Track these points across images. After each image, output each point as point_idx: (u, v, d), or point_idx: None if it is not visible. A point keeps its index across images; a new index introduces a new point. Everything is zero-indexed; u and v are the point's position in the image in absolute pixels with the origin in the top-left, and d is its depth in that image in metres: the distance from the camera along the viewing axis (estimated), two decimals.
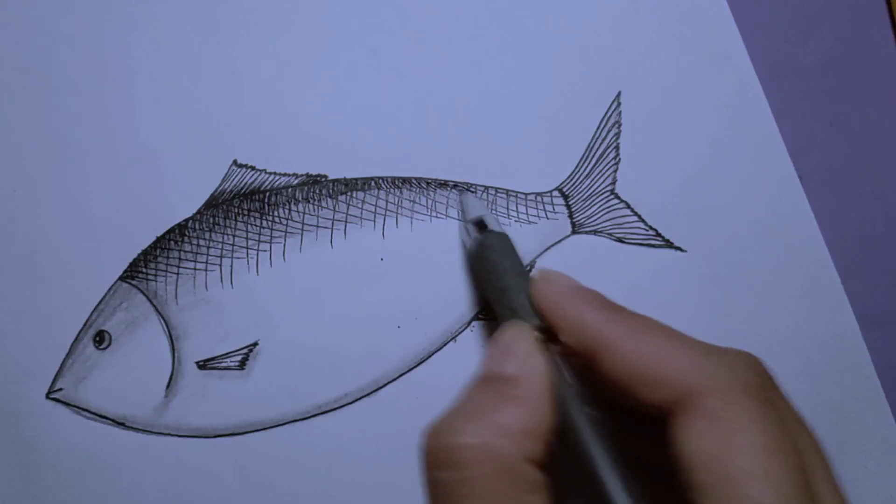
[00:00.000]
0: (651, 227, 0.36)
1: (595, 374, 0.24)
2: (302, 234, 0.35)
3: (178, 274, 0.35)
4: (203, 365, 0.34)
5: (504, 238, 0.30)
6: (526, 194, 0.36)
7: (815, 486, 0.21)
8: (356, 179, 0.35)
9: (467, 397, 0.23)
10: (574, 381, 0.24)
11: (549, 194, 0.36)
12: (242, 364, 0.34)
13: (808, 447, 0.23)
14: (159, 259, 0.35)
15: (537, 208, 0.36)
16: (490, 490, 0.21)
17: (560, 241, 0.36)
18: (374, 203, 0.35)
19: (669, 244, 0.36)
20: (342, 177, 0.35)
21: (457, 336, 0.35)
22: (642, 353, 0.23)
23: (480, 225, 0.32)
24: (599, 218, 0.36)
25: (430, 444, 0.22)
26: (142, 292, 0.34)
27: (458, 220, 0.35)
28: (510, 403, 0.22)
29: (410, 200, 0.35)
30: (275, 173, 0.35)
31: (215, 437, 0.34)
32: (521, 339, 0.24)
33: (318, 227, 0.35)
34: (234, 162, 0.35)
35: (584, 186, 0.36)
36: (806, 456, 0.22)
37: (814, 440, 0.23)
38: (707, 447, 0.20)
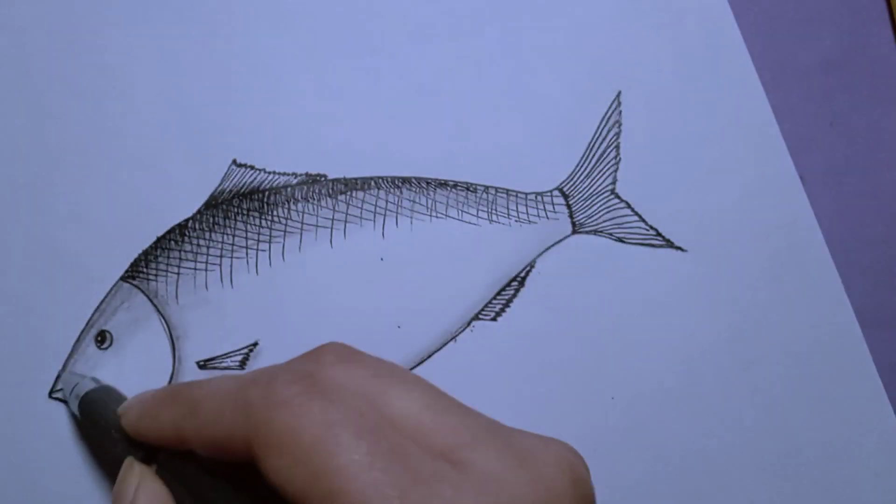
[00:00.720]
0: (651, 227, 0.36)
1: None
2: (302, 234, 0.35)
3: (178, 274, 0.35)
4: (204, 365, 0.34)
5: (102, 391, 0.31)
6: (526, 194, 0.36)
7: None
8: (356, 179, 0.35)
9: None
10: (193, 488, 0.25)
11: (549, 194, 0.36)
12: (243, 364, 0.34)
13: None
14: (160, 259, 0.35)
15: (537, 208, 0.36)
16: None
17: (560, 240, 0.36)
18: (374, 203, 0.35)
19: (670, 244, 0.36)
20: (342, 177, 0.35)
21: (457, 336, 0.35)
22: (205, 425, 0.23)
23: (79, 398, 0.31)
24: (600, 218, 0.36)
25: None
26: (143, 292, 0.34)
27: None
28: None
29: (410, 200, 0.35)
30: (274, 173, 0.35)
31: None
32: (128, 476, 0.26)
33: (317, 226, 0.35)
34: (234, 162, 0.35)
35: (584, 186, 0.36)
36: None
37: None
38: None
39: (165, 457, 0.26)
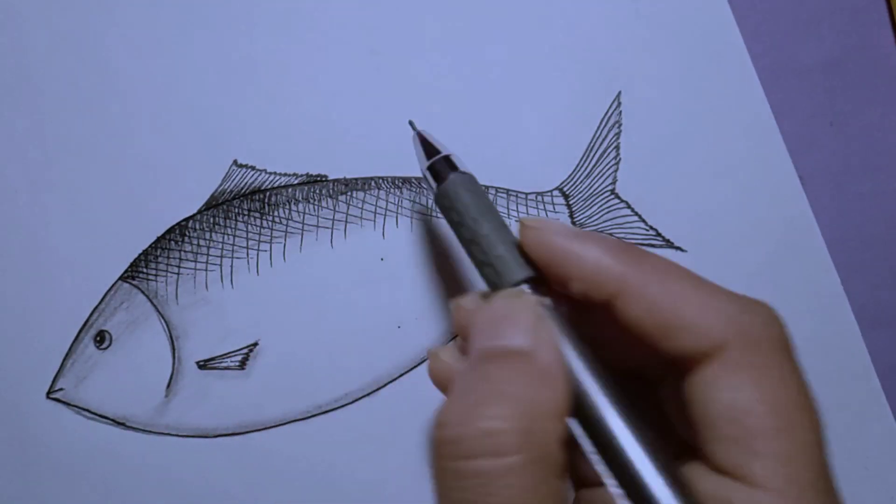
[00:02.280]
0: (651, 227, 0.36)
1: (601, 326, 0.22)
2: (302, 234, 0.35)
3: (178, 274, 0.35)
4: (203, 365, 0.34)
5: (471, 179, 0.27)
6: (526, 194, 0.36)
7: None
8: (356, 179, 0.35)
9: (477, 378, 0.20)
10: (582, 344, 0.22)
11: (549, 194, 0.36)
12: (243, 364, 0.34)
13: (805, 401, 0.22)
14: (160, 259, 0.35)
15: (538, 208, 0.36)
16: (529, 478, 0.19)
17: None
18: (374, 203, 0.35)
19: (669, 244, 0.36)
20: (342, 177, 0.35)
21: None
22: (669, 299, 0.21)
23: (441, 167, 0.27)
24: (600, 218, 0.36)
25: (453, 432, 0.19)
26: (142, 292, 0.34)
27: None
28: (534, 381, 0.20)
29: (410, 200, 0.35)
30: (275, 173, 0.35)
31: (216, 436, 0.34)
32: (521, 305, 0.22)
33: (318, 227, 0.35)
34: (234, 162, 0.35)
35: (584, 186, 0.36)
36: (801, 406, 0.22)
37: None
38: (735, 400, 0.20)
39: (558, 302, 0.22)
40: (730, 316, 0.21)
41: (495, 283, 0.24)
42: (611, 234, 0.36)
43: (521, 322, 0.21)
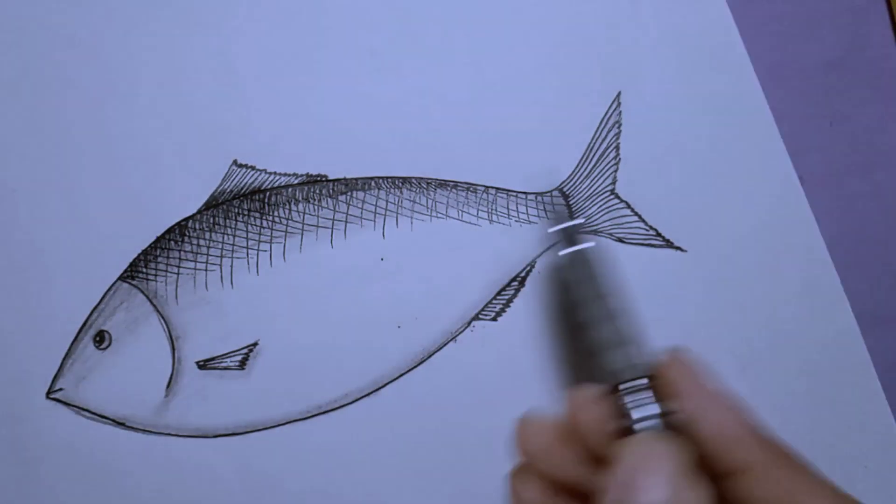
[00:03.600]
0: (651, 227, 0.36)
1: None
2: (302, 234, 0.35)
3: (178, 274, 0.35)
4: (203, 365, 0.34)
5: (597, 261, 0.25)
6: (526, 194, 0.36)
7: None
8: (356, 179, 0.35)
9: None
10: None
11: (549, 194, 0.36)
12: (243, 364, 0.34)
13: None
14: (159, 259, 0.35)
15: (537, 208, 0.36)
16: None
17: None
18: (374, 203, 0.35)
19: (669, 244, 0.36)
20: (342, 177, 0.35)
21: (457, 336, 0.35)
22: (783, 488, 0.20)
23: (570, 235, 0.26)
24: (600, 218, 0.36)
25: None
26: (142, 292, 0.34)
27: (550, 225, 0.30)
28: None
29: (410, 200, 0.35)
30: (275, 173, 0.35)
31: (216, 437, 0.34)
32: (664, 461, 0.20)
33: (318, 227, 0.35)
34: (234, 162, 0.35)
35: (584, 186, 0.36)
36: None
37: None
38: None
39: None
40: None
41: (615, 371, 0.22)
42: (611, 235, 0.36)
43: (661, 473, 0.20)
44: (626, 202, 0.36)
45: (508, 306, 0.35)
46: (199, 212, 0.35)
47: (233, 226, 0.35)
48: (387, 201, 0.35)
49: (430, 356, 0.35)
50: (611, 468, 0.20)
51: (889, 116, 0.37)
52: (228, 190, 0.35)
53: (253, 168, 0.35)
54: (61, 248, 0.35)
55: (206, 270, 0.35)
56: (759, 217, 0.36)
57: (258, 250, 0.35)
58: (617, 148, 0.36)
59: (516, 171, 0.36)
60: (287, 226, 0.35)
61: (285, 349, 0.35)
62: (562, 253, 0.25)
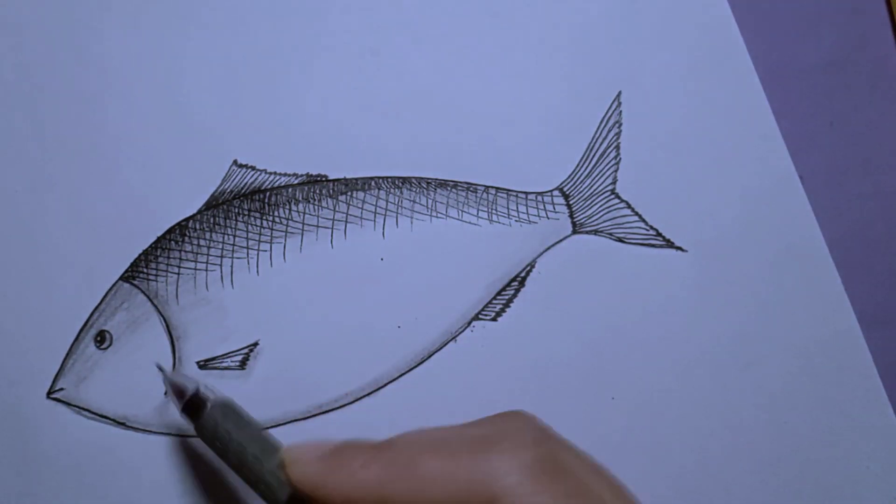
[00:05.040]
0: (652, 227, 0.36)
1: None
2: (302, 234, 0.35)
3: (178, 274, 0.35)
4: (204, 365, 0.34)
5: (228, 407, 0.29)
6: (526, 194, 0.36)
7: None
8: (356, 179, 0.35)
9: None
10: None
11: (549, 194, 0.36)
12: (243, 364, 0.34)
13: (596, 485, 0.23)
14: (160, 259, 0.35)
15: (537, 208, 0.36)
16: None
17: (560, 240, 0.36)
18: (374, 203, 0.35)
19: (670, 244, 0.36)
20: (342, 177, 0.35)
21: (457, 336, 0.35)
22: (426, 487, 0.22)
23: (193, 401, 0.29)
24: (600, 218, 0.36)
25: None
26: (143, 292, 0.34)
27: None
28: None
29: (410, 200, 0.35)
30: (275, 173, 0.35)
31: None
32: None
33: (318, 227, 0.35)
34: (235, 162, 0.35)
35: (584, 186, 0.36)
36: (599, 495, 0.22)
37: (594, 472, 0.24)
38: None
39: None
40: (483, 471, 0.22)
41: (270, 500, 0.27)
42: (611, 235, 0.36)
43: None
44: (627, 202, 0.36)
45: (508, 306, 0.35)
46: (200, 212, 0.35)
47: (233, 226, 0.35)
48: (387, 201, 0.35)
49: (430, 356, 0.35)
50: None
51: (889, 116, 0.37)
52: (228, 190, 0.35)
53: (253, 168, 0.35)
54: (62, 248, 0.35)
55: (206, 270, 0.35)
56: (760, 217, 0.36)
57: (258, 250, 0.35)
58: (617, 148, 0.36)
59: (516, 171, 0.36)
60: (287, 226, 0.35)
61: (285, 349, 0.35)
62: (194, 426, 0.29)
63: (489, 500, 0.21)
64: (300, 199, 0.35)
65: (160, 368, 0.33)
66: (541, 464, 0.22)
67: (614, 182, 0.36)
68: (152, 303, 0.34)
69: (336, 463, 0.24)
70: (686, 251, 0.36)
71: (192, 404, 0.29)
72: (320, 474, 0.24)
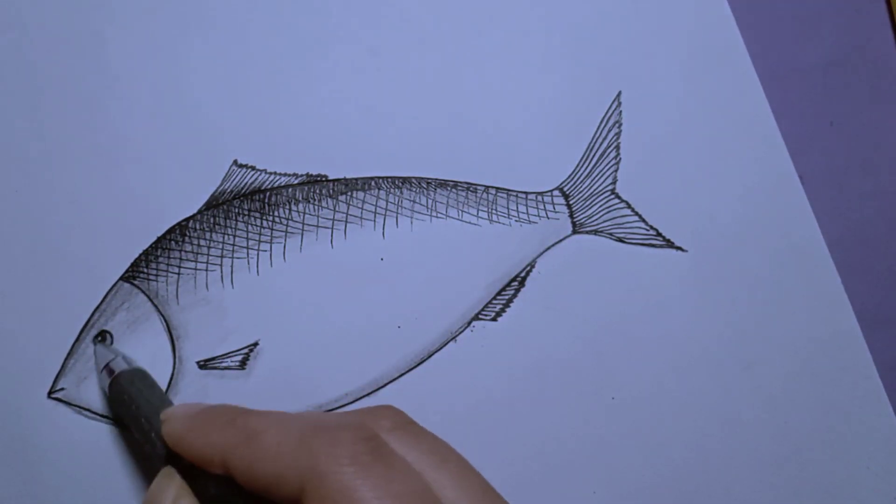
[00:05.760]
0: (652, 227, 0.36)
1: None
2: (302, 234, 0.35)
3: (178, 274, 0.35)
4: (204, 365, 0.34)
5: (137, 374, 0.31)
6: (526, 194, 0.36)
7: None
8: (356, 179, 0.35)
9: None
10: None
11: (549, 194, 0.36)
12: (243, 364, 0.34)
13: (438, 469, 0.23)
14: (160, 259, 0.35)
15: (537, 208, 0.36)
16: None
17: (560, 240, 0.36)
18: (374, 203, 0.35)
19: (670, 244, 0.36)
20: (342, 177, 0.35)
21: (457, 336, 0.35)
22: (260, 457, 0.23)
23: (110, 371, 0.32)
24: (600, 218, 0.36)
25: None
26: (143, 292, 0.34)
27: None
28: None
29: (410, 200, 0.35)
30: (275, 173, 0.35)
31: None
32: (165, 489, 0.25)
33: (318, 227, 0.35)
34: (235, 162, 0.35)
35: (584, 186, 0.36)
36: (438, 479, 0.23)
37: (445, 455, 0.24)
38: None
39: (205, 477, 0.26)
40: (306, 453, 0.22)
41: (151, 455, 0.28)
42: (611, 235, 0.36)
43: (160, 501, 0.25)
44: (627, 202, 0.36)
45: (508, 306, 0.35)
46: (200, 212, 0.35)
47: (233, 226, 0.35)
48: (387, 201, 0.35)
49: (430, 356, 0.35)
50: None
51: (889, 116, 0.37)
52: (228, 190, 0.35)
53: (253, 168, 0.35)
54: (62, 248, 0.35)
55: (206, 270, 0.35)
56: (760, 217, 0.36)
57: (258, 250, 0.35)
58: (617, 148, 0.36)
59: (516, 171, 0.36)
60: (287, 226, 0.35)
61: (285, 349, 0.35)
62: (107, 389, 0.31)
63: (314, 478, 0.21)
64: (300, 199, 0.35)
65: (94, 343, 0.34)
66: (369, 446, 0.22)
67: (614, 182, 0.36)
68: (152, 303, 0.34)
69: (198, 423, 0.25)
70: (686, 251, 0.36)
71: (111, 369, 0.32)
72: (182, 431, 0.26)
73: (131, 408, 0.29)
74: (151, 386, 0.30)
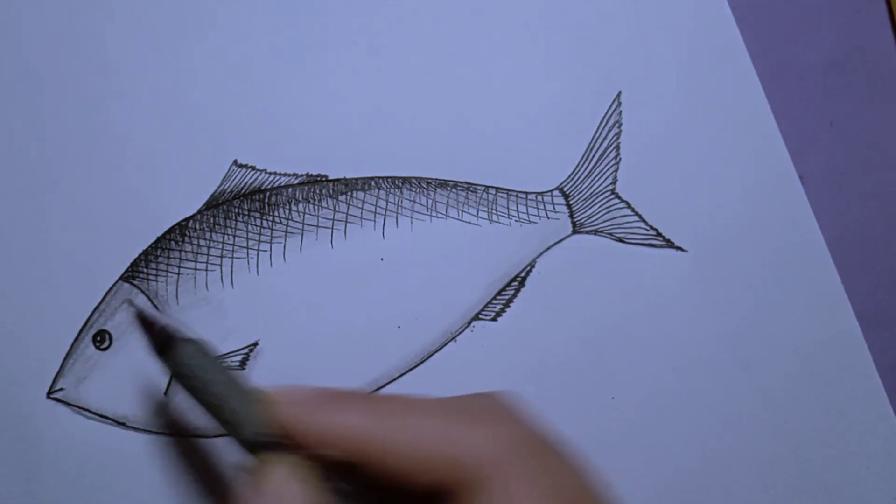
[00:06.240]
0: (652, 227, 0.36)
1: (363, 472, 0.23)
2: (302, 234, 0.35)
3: (178, 274, 0.35)
4: None
5: (204, 346, 0.27)
6: (526, 194, 0.36)
7: None
8: (356, 179, 0.35)
9: None
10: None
11: (549, 194, 0.36)
12: (243, 364, 0.34)
13: (569, 477, 0.23)
14: (160, 259, 0.35)
15: (538, 208, 0.36)
16: None
17: (560, 240, 0.36)
18: (374, 203, 0.35)
19: (670, 244, 0.36)
20: (342, 177, 0.35)
21: (457, 336, 0.35)
22: (403, 440, 0.22)
23: (165, 337, 0.27)
24: (600, 218, 0.36)
25: None
26: (143, 292, 0.34)
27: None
28: None
29: (410, 200, 0.35)
30: (275, 173, 0.35)
31: (215, 436, 0.34)
32: (289, 485, 0.23)
33: (318, 227, 0.35)
34: (235, 162, 0.35)
35: (584, 186, 0.36)
36: (571, 488, 0.23)
37: (566, 462, 0.24)
38: None
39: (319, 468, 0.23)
40: (465, 441, 0.22)
41: (245, 441, 0.25)
42: (611, 235, 0.36)
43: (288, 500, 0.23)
44: (627, 202, 0.36)
45: (508, 306, 0.35)
46: (200, 212, 0.35)
47: (233, 226, 0.35)
48: (387, 201, 0.35)
49: (430, 356, 0.35)
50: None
51: (889, 116, 0.37)
52: (228, 190, 0.35)
53: (253, 168, 0.35)
54: (62, 248, 0.35)
55: (206, 270, 0.35)
56: (760, 217, 0.36)
57: (258, 250, 0.35)
58: (617, 148, 0.36)
59: (516, 171, 0.36)
60: (287, 226, 0.35)
61: (285, 349, 0.35)
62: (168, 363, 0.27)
63: (466, 467, 0.21)
64: (300, 199, 0.35)
65: (131, 303, 0.32)
66: (524, 438, 0.22)
67: (614, 182, 0.36)
68: (152, 303, 0.34)
69: (322, 403, 0.23)
70: (686, 251, 0.36)
71: (161, 341, 0.27)
72: (306, 413, 0.23)
73: (211, 384, 0.26)
74: (220, 362, 0.27)
